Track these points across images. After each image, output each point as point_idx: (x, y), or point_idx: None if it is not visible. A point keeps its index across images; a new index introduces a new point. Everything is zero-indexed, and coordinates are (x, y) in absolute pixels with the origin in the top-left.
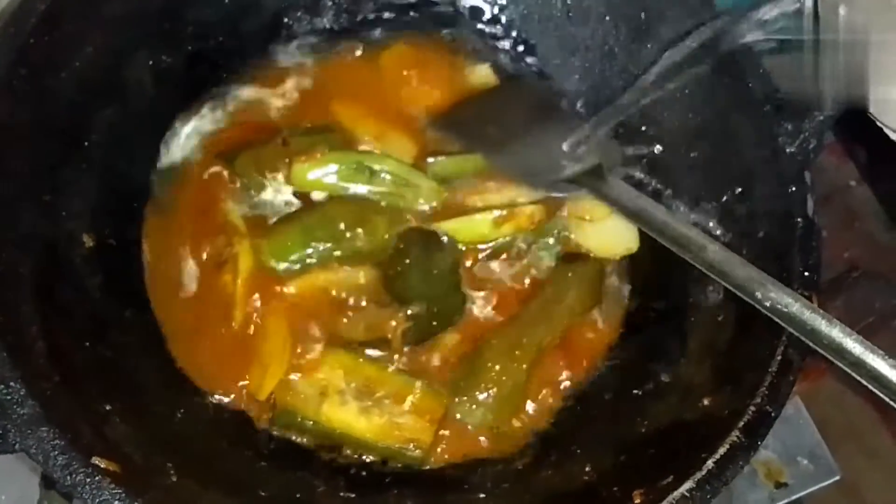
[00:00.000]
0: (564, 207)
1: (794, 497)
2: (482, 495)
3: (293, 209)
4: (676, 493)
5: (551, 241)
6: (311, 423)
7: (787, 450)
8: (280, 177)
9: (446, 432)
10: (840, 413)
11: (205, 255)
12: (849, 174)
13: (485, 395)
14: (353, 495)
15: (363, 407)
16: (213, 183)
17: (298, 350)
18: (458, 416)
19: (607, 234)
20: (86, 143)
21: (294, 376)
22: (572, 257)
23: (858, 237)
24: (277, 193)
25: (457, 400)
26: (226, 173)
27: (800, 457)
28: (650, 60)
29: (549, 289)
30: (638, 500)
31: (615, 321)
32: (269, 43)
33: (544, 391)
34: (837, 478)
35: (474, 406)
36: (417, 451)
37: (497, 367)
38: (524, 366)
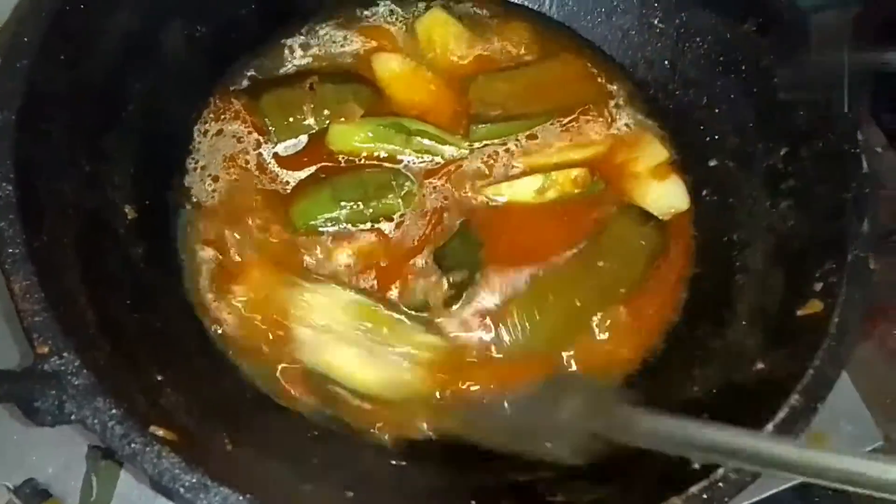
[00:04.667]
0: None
1: None
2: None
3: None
4: None
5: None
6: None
7: (831, 415)
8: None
9: None
10: (875, 377)
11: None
12: (876, 140)
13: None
14: (404, 463)
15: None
16: None
17: None
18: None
19: (657, 191)
20: (122, 113)
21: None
22: (633, 213)
23: (886, 204)
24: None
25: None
26: (246, 112)
27: (843, 422)
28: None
29: (611, 242)
30: (697, 465)
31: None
32: (302, 9)
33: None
34: (881, 443)
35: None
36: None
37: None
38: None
